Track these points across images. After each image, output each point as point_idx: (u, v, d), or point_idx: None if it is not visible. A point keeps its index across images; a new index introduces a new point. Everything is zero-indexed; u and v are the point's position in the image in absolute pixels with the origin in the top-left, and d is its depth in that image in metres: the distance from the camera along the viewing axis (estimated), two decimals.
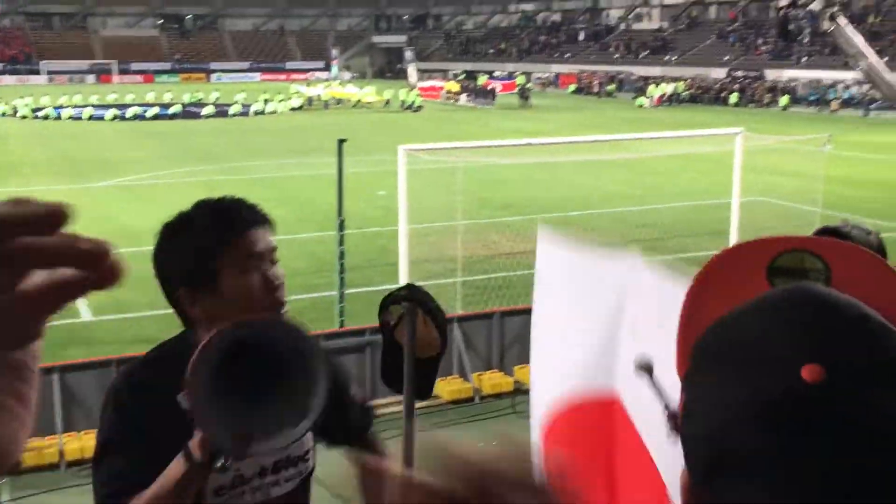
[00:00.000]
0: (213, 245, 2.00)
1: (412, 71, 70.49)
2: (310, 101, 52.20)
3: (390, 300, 1.97)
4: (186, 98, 52.06)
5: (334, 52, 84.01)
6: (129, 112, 44.65)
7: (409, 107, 49.95)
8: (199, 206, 2.08)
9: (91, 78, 77.29)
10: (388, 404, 9.91)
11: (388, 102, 50.93)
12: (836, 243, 1.00)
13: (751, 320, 0.86)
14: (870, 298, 0.85)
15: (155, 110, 45.56)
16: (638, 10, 79.74)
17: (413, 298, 1.92)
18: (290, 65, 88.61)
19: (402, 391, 1.98)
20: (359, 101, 51.95)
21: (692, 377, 0.89)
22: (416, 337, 1.92)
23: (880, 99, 47.14)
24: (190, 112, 46.33)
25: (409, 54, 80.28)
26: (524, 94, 54.61)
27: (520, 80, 62.31)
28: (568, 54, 77.34)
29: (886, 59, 49.20)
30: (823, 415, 0.77)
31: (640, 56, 70.68)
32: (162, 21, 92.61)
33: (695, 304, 1.02)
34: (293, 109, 49.59)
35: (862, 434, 0.76)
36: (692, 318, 1.00)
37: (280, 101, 49.93)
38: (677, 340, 1.00)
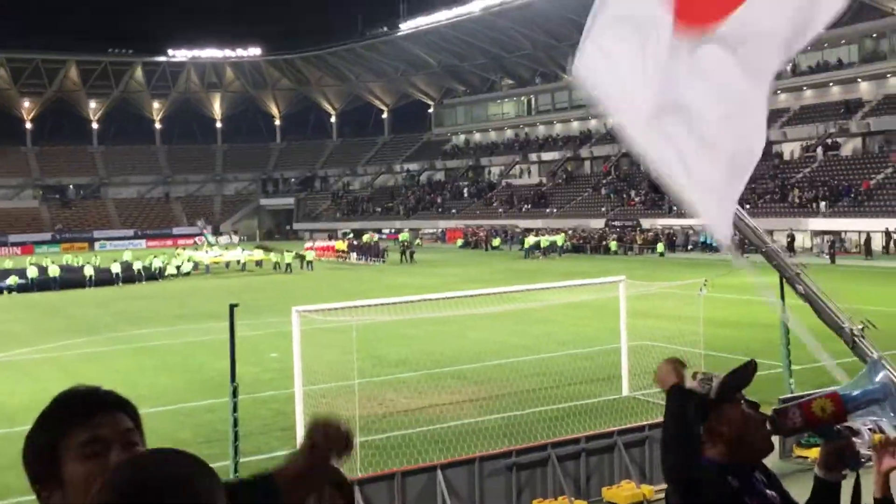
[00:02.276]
0: (52, 437, 1.93)
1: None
2: (195, 265, 51.75)
3: None
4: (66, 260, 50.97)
5: (199, 222, 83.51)
6: (9, 280, 43.30)
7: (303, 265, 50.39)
8: (53, 398, 2.03)
9: None
10: None
11: (276, 265, 50.85)
12: None
13: None
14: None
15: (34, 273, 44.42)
16: (518, 166, 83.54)
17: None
18: (176, 230, 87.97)
19: None
20: (245, 263, 51.84)
21: None
22: None
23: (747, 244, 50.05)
24: (71, 279, 44.95)
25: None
26: (406, 250, 55.56)
27: (403, 236, 63.58)
28: (453, 210, 79.78)
29: (748, 206, 52.77)
30: None
31: (522, 210, 73.54)
32: (42, 192, 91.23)
33: None
34: (183, 274, 49.04)
35: None
36: None
37: (166, 262, 49.46)
38: None
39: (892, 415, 2.66)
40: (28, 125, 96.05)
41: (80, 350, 24.30)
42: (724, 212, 2.57)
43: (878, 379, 2.68)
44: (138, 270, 47.14)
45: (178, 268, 49.70)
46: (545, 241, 57.04)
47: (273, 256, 52.11)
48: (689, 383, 2.91)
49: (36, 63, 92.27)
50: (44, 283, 43.65)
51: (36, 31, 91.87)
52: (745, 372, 2.83)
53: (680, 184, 2.51)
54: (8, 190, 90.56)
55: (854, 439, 2.74)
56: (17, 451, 1.79)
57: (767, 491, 2.65)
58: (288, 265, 49.87)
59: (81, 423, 1.91)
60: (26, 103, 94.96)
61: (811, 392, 3.05)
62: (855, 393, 2.66)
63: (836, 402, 2.63)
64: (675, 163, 2.51)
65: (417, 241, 71.76)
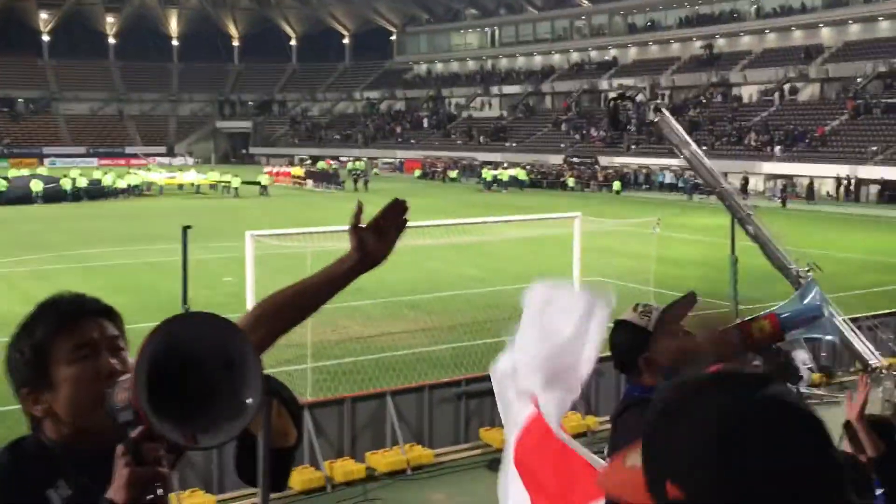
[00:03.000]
0: (42, 340, 1.97)
1: None
2: (149, 186, 50.91)
3: None
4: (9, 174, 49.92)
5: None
6: None
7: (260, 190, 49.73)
8: (38, 304, 2.06)
9: None
10: (243, 497, 9.60)
11: (226, 188, 50.07)
12: None
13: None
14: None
15: None
16: (479, 98, 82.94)
17: (267, 389, 1.94)
18: (129, 149, 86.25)
19: (257, 483, 1.98)
20: (199, 185, 51.11)
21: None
22: (271, 428, 1.94)
23: (702, 184, 50.63)
24: (18, 195, 44.00)
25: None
26: (359, 178, 55.27)
27: (356, 165, 63.08)
28: (412, 140, 79.23)
29: (705, 148, 53.13)
30: None
31: (482, 142, 73.29)
32: None
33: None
34: (136, 193, 48.30)
35: None
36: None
37: (115, 179, 48.64)
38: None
39: (826, 333, 2.85)
40: None
41: (30, 267, 23.95)
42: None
43: (810, 298, 2.81)
44: (87, 186, 46.35)
45: (130, 185, 48.93)
46: (504, 174, 57.08)
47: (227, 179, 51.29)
48: (629, 315, 2.98)
49: None
50: None
51: None
52: (683, 302, 2.92)
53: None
54: None
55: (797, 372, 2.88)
56: None
57: None
58: (235, 189, 49.11)
59: (70, 329, 1.97)
60: None
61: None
62: (789, 313, 2.78)
63: (774, 322, 2.74)
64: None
65: (374, 170, 71.35)
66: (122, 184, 48.13)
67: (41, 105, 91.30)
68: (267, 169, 58.10)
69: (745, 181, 51.21)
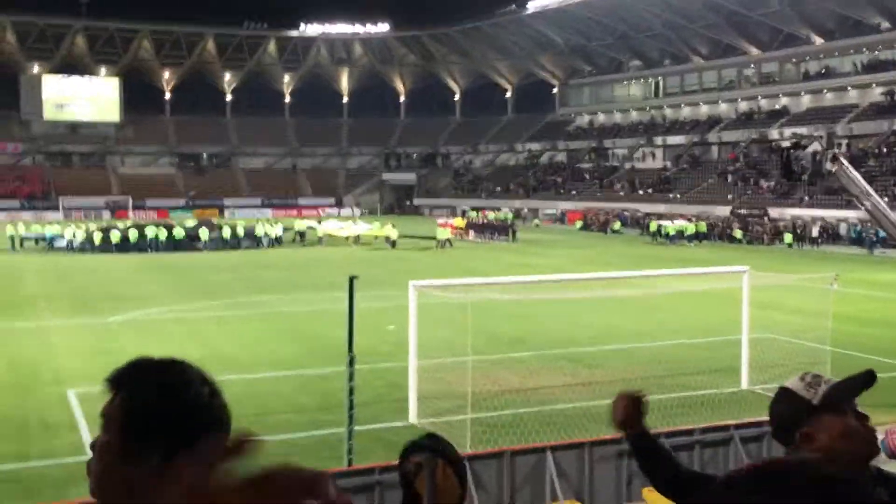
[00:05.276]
0: None
1: None
2: (320, 239, 52.85)
3: (411, 449, 2.01)
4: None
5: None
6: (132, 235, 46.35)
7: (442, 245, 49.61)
8: None
9: (107, 214, 78.83)
10: None
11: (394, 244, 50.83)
12: None
13: None
14: None
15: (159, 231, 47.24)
16: (641, 149, 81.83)
17: (434, 448, 1.96)
18: (301, 200, 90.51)
19: None
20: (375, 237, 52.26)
21: None
22: (436, 487, 1.95)
23: (885, 237, 47.72)
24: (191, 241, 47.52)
25: None
26: (507, 229, 55.34)
27: (502, 215, 63.02)
28: (573, 191, 78.94)
29: (886, 199, 50.10)
30: None
31: (645, 193, 72.03)
32: (178, 159, 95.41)
33: None
34: (303, 243, 50.62)
35: None
36: None
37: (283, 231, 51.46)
38: None
39: None
40: (168, 95, 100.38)
41: (208, 313, 25.36)
42: None
43: None
44: (261, 236, 49.25)
45: (299, 233, 51.61)
46: (672, 228, 55.19)
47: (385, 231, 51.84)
48: (795, 384, 2.78)
49: (177, 35, 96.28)
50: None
51: (176, 4, 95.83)
52: (859, 381, 2.66)
53: None
54: (147, 157, 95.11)
55: None
56: None
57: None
58: (393, 242, 49.42)
59: None
60: (167, 74, 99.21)
61: None
62: None
63: None
64: None
65: (536, 221, 71.42)
66: (290, 235, 50.74)
67: (223, 159, 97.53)
68: (441, 221, 57.67)
69: None
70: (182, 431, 1.60)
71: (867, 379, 2.58)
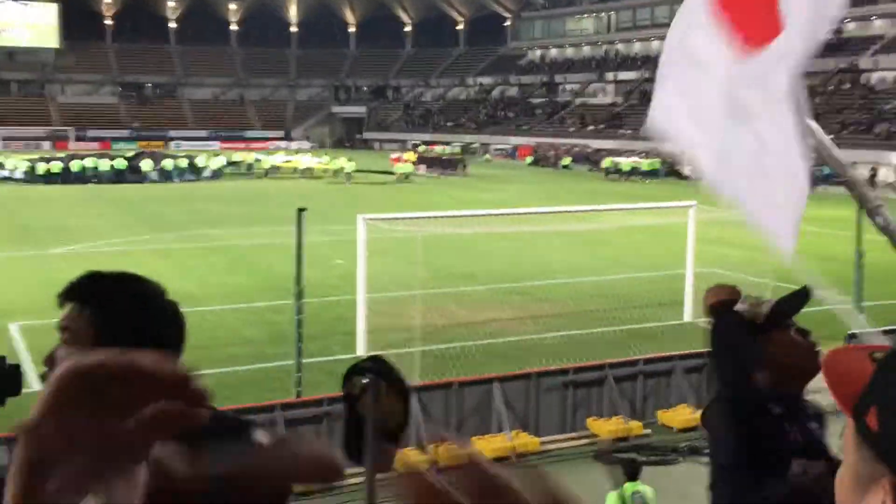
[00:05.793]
0: None
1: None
2: (267, 171, 52.18)
3: (354, 371, 1.98)
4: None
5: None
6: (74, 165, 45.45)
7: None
8: None
9: (47, 144, 76.68)
10: (349, 476, 9.80)
11: (334, 173, 50.40)
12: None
13: None
14: None
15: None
16: (592, 85, 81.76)
17: (377, 370, 1.94)
18: (249, 133, 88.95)
19: (364, 463, 1.99)
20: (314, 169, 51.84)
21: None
22: (380, 409, 1.94)
23: (828, 174, 48.55)
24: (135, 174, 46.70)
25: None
26: (458, 164, 55.23)
27: (451, 149, 62.92)
28: (525, 126, 78.79)
29: (831, 136, 50.80)
30: None
31: (595, 129, 72.23)
32: (121, 89, 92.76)
33: None
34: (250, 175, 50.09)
35: None
36: None
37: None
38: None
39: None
40: (109, 21, 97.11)
41: (154, 246, 24.98)
42: (788, 225, 2.57)
43: None
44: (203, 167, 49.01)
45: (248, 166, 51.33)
46: (627, 164, 55.28)
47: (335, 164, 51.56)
48: (739, 307, 2.86)
49: None
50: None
51: None
52: (797, 298, 2.78)
53: (750, 206, 2.61)
54: (88, 86, 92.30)
55: None
56: None
57: (812, 423, 2.61)
58: (348, 174, 49.15)
59: None
60: (107, 0, 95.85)
61: (883, 328, 2.98)
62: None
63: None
64: (744, 187, 2.62)
65: (487, 156, 71.31)
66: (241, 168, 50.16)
67: (167, 90, 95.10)
68: (394, 156, 57.53)
69: (874, 172, 48.80)
70: (156, 343, 1.57)
71: (804, 295, 2.72)
